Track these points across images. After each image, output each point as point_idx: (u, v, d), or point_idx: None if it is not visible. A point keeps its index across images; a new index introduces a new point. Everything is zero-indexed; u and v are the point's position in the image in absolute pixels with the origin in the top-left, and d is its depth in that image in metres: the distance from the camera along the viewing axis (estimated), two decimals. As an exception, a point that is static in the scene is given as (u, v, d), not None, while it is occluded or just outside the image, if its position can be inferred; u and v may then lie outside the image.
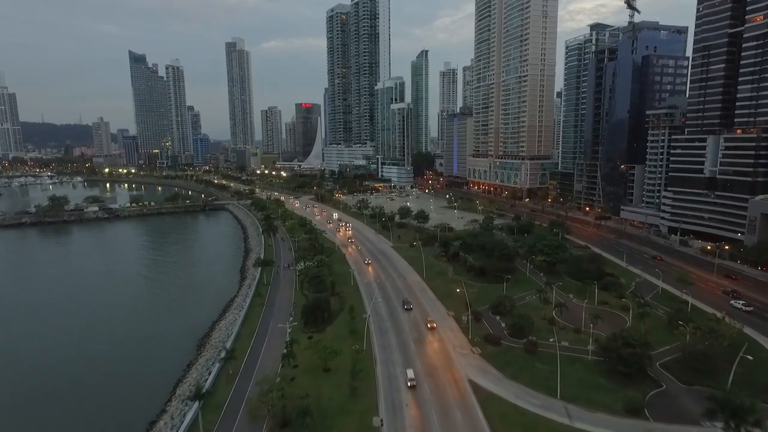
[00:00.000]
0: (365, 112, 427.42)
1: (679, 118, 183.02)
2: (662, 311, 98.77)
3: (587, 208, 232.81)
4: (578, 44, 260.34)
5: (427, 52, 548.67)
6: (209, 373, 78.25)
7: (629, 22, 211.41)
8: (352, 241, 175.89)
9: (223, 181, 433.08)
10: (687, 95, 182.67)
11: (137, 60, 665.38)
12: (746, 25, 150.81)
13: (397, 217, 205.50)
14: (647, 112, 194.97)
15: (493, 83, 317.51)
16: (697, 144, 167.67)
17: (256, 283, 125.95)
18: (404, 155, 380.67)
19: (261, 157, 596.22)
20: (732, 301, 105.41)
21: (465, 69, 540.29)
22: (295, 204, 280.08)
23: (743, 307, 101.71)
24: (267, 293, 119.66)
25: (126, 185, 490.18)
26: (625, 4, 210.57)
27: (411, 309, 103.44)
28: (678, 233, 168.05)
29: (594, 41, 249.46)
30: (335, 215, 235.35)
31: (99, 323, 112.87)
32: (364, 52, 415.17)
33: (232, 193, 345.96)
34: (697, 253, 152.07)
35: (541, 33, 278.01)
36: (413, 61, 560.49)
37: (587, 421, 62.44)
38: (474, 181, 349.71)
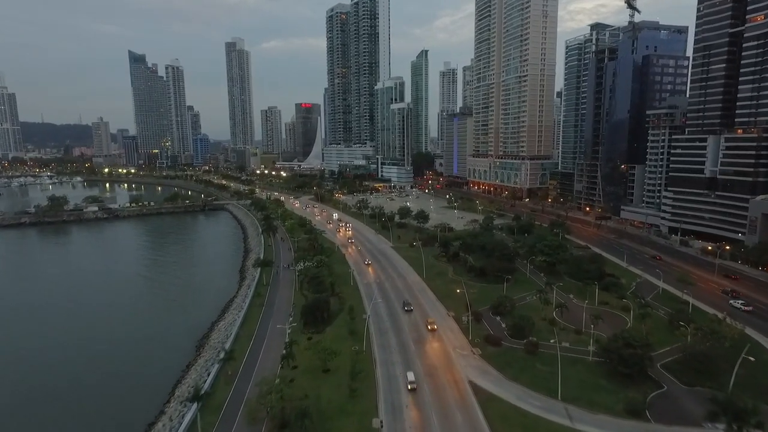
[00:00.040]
0: (365, 112, 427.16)
1: (679, 117, 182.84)
2: (663, 312, 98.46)
3: (587, 208, 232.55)
4: (578, 44, 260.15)
5: (427, 52, 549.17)
6: (208, 374, 77.89)
7: (629, 22, 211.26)
8: (351, 242, 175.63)
9: (223, 181, 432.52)
10: (687, 95, 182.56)
11: (137, 60, 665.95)
12: (747, 25, 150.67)
13: (396, 218, 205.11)
14: (647, 112, 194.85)
15: (493, 83, 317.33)
16: (697, 144, 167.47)
17: (255, 284, 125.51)
18: (404, 155, 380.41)
19: (261, 157, 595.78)
20: (731, 301, 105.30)
21: (465, 69, 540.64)
22: (295, 204, 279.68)
23: (742, 307, 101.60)
24: (266, 294, 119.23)
25: (125, 185, 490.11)
26: (626, 4, 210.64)
27: (411, 311, 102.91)
28: (678, 233, 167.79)
29: (594, 41, 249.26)
30: (335, 215, 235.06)
31: (99, 323, 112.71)
32: (364, 52, 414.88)
33: (232, 193, 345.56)
34: (698, 254, 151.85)
35: (541, 33, 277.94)
36: (413, 61, 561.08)
37: (588, 422, 62.20)
38: (474, 181, 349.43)
